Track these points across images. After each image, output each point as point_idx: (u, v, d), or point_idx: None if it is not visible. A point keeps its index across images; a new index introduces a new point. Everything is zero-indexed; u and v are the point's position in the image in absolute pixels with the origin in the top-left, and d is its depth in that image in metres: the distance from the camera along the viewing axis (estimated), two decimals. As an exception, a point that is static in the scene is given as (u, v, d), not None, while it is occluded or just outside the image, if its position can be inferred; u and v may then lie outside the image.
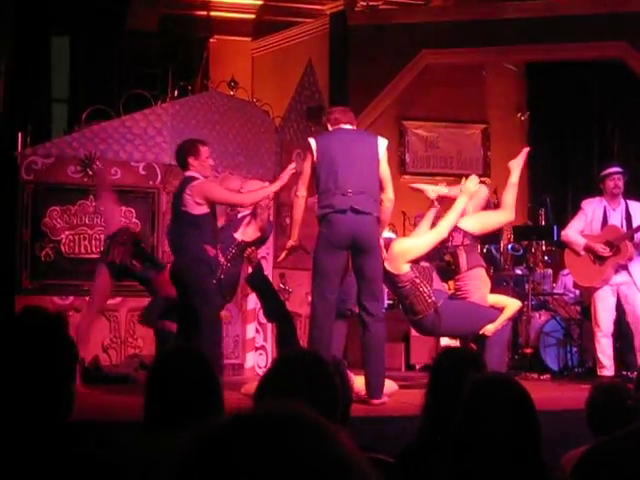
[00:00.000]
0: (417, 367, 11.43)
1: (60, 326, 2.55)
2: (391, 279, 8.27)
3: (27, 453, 2.29)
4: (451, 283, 9.12)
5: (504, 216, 8.74)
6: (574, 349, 10.39)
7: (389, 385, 7.85)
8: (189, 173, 7.58)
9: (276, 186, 7.92)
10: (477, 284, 8.42)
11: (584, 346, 10.24)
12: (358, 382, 7.65)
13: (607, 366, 8.97)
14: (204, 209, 7.45)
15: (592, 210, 9.26)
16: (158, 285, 8.42)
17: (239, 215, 8.59)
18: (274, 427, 1.28)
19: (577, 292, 11.23)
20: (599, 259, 9.06)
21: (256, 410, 1.35)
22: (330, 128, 7.65)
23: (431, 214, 8.67)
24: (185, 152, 7.62)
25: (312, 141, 7.51)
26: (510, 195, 8.62)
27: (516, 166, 8.65)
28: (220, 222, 8.45)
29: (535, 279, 11.28)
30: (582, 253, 9.14)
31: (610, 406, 4.01)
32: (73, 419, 2.61)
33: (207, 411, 3.02)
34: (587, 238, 9.14)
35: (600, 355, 9.02)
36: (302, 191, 7.53)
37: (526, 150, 8.66)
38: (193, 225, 7.44)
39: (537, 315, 10.82)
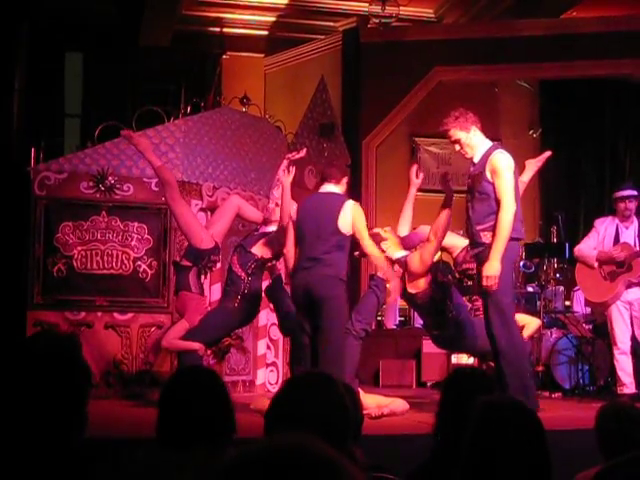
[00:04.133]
0: (428, 384, 11.41)
1: (74, 349, 2.56)
2: (410, 297, 8.25)
3: (41, 472, 2.30)
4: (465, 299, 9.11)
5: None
6: (586, 367, 10.35)
7: (400, 404, 7.84)
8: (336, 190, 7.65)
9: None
10: None
11: (596, 364, 10.21)
12: (368, 400, 7.64)
13: (627, 383, 8.95)
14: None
15: (604, 228, 9.28)
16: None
17: (259, 231, 8.59)
18: (283, 462, 1.28)
19: (588, 309, 11.22)
20: (610, 275, 9.10)
21: (265, 444, 1.34)
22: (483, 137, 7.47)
23: (412, 194, 8.57)
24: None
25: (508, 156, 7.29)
26: None
27: (532, 166, 8.51)
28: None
29: (547, 296, 11.26)
30: (595, 265, 9.18)
31: (619, 428, 3.98)
32: (85, 435, 2.62)
33: (219, 429, 3.03)
34: (600, 254, 9.18)
35: (620, 373, 9.00)
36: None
37: (548, 154, 8.56)
38: (342, 244, 7.43)
39: (549, 333, 10.78)
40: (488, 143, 7.40)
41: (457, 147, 7.44)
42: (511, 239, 7.09)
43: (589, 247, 9.32)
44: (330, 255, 7.35)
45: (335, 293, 7.31)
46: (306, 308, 7.40)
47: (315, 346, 7.35)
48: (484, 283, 7.03)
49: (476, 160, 7.35)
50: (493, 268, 6.99)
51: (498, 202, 7.07)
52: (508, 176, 7.11)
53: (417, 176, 8.52)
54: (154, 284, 9.82)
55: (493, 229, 7.08)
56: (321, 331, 7.30)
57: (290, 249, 7.77)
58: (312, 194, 7.90)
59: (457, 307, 8.21)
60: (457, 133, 7.35)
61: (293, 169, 8.04)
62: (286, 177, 7.92)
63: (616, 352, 9.04)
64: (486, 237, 7.15)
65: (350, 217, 7.42)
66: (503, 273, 7.06)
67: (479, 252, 7.26)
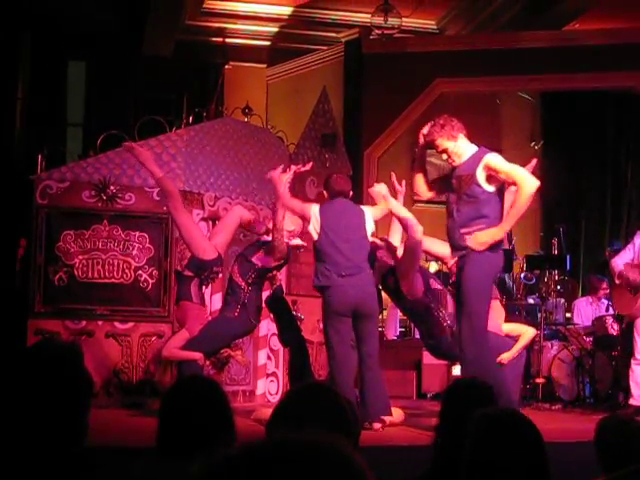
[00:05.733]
0: (428, 396, 11.39)
1: (76, 358, 2.56)
2: (407, 305, 8.26)
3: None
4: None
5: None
6: (586, 379, 10.34)
7: (397, 414, 7.83)
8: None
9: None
10: (491, 315, 8.38)
11: (596, 376, 10.20)
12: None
13: (635, 396, 8.92)
14: None
15: None
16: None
17: (261, 240, 8.59)
18: (306, 454, 1.27)
19: (589, 322, 11.22)
20: (634, 289, 9.08)
21: (288, 437, 1.34)
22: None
23: (400, 202, 8.55)
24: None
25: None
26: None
27: None
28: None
29: (547, 308, 11.26)
30: (617, 281, 9.18)
31: (619, 441, 3.97)
32: (85, 444, 2.62)
33: (220, 439, 3.03)
34: (627, 267, 9.16)
35: (632, 383, 8.98)
36: None
37: (534, 161, 8.34)
38: (371, 251, 7.88)
39: (549, 345, 10.78)
40: (474, 147, 7.02)
41: (444, 157, 7.04)
42: (498, 249, 6.85)
43: (622, 261, 9.29)
44: (367, 263, 7.71)
45: (377, 308, 7.87)
46: (347, 316, 7.65)
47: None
48: (471, 241, 6.72)
49: (460, 162, 6.98)
50: (496, 234, 6.70)
51: (485, 206, 6.78)
52: (508, 164, 6.83)
53: (400, 184, 8.45)
54: (155, 293, 9.82)
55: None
56: (365, 341, 7.65)
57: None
58: (328, 203, 7.87)
59: (452, 316, 8.21)
60: (444, 143, 6.95)
61: (291, 170, 8.13)
62: (282, 174, 8.02)
63: (633, 362, 9.01)
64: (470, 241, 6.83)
65: (372, 222, 7.80)
66: (484, 280, 6.84)
67: (462, 256, 6.90)
